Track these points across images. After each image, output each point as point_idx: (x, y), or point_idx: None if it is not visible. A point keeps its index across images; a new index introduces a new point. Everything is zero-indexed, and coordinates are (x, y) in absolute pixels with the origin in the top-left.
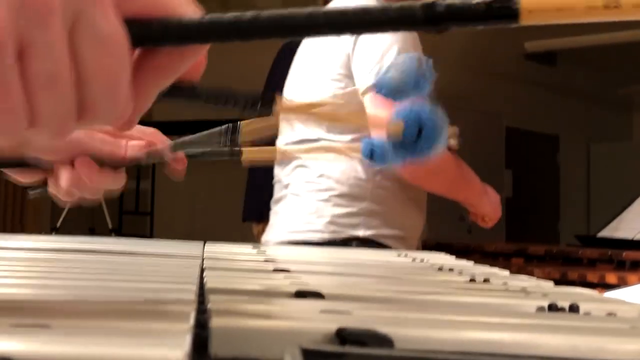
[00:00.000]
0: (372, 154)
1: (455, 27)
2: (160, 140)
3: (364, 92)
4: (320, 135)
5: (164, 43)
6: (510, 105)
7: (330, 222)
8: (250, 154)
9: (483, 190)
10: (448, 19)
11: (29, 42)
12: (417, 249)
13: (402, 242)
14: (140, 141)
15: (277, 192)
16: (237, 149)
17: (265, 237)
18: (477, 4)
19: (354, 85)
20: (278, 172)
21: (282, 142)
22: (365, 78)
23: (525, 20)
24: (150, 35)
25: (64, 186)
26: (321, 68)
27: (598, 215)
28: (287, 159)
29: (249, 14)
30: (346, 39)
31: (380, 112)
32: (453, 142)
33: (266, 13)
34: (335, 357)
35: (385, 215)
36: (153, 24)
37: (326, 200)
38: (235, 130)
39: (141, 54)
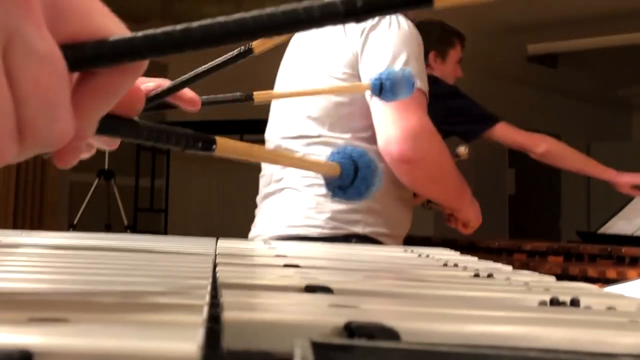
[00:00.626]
0: (381, 88)
1: (375, 16)
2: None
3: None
4: (321, 132)
5: (99, 64)
6: (513, 106)
7: (331, 218)
8: (225, 146)
9: (472, 200)
10: (367, 11)
11: None
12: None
13: (394, 240)
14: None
15: (267, 187)
16: (250, 94)
17: (254, 232)
18: None
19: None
20: (267, 165)
21: (279, 136)
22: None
23: (440, 3)
24: (85, 57)
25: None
26: (321, 66)
27: (598, 212)
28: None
29: (180, 27)
30: (354, 39)
31: (387, 114)
32: (464, 151)
33: (197, 24)
34: (343, 349)
35: (382, 214)
36: (86, 46)
37: (327, 196)
38: (247, 52)
39: (79, 78)
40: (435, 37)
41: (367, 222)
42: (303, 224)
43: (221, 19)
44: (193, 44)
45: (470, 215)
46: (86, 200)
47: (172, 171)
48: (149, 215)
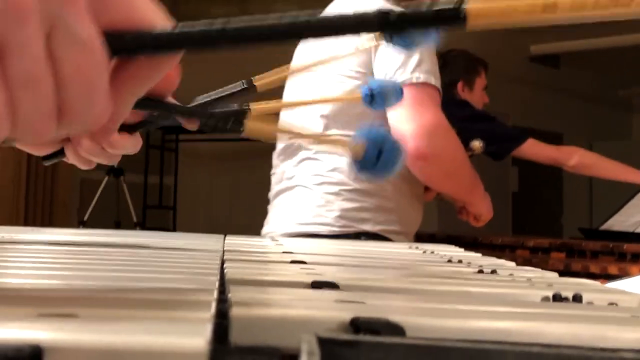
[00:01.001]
0: (372, 98)
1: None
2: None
3: None
4: (334, 131)
5: (138, 53)
6: (517, 105)
7: (340, 216)
8: (253, 127)
9: (484, 193)
10: (400, 25)
11: (6, 42)
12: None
13: (405, 237)
14: None
15: (278, 184)
16: (245, 105)
17: (267, 229)
18: (426, 12)
19: None
20: (278, 163)
21: (284, 137)
22: (389, 78)
23: (473, 24)
24: (125, 46)
25: (84, 155)
26: (335, 65)
27: (600, 209)
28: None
29: (218, 23)
30: (367, 40)
31: (402, 111)
32: (478, 145)
33: (233, 23)
34: (349, 345)
35: (392, 211)
36: (127, 35)
37: (337, 194)
38: (249, 87)
39: (117, 64)
40: (461, 67)
41: (376, 220)
42: (313, 221)
43: (257, 21)
44: (228, 44)
45: (482, 208)
46: (96, 198)
47: (181, 169)
48: (157, 212)
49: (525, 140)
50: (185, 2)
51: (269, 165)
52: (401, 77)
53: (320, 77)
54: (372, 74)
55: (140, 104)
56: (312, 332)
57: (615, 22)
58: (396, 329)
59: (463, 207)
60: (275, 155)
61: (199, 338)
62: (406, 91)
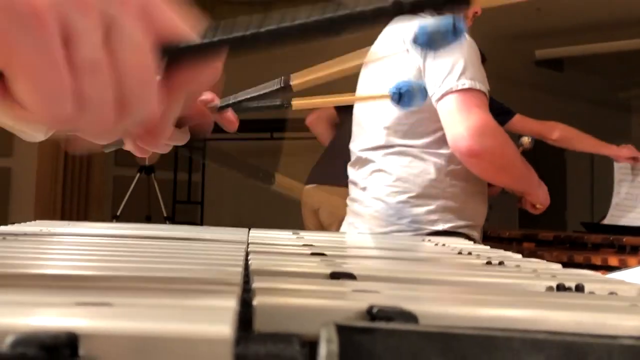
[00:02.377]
0: (399, 97)
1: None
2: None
3: (438, 100)
4: (395, 142)
5: (183, 59)
6: (522, 107)
7: (412, 221)
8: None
9: (539, 183)
10: (413, 10)
11: (72, 28)
12: (480, 234)
13: (474, 229)
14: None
15: (354, 193)
16: (287, 101)
17: (346, 230)
18: None
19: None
20: (353, 172)
21: (357, 148)
22: (438, 87)
23: (477, 4)
24: (171, 52)
25: (140, 144)
26: (391, 79)
27: (601, 204)
28: None
29: (251, 30)
30: (416, 55)
31: (453, 115)
32: (527, 140)
33: (264, 28)
34: (365, 332)
35: (458, 209)
36: (173, 43)
37: (405, 202)
38: (286, 84)
39: (167, 69)
40: None
41: (444, 219)
42: (388, 230)
43: (287, 21)
44: (262, 46)
45: (539, 197)
46: (128, 193)
47: (208, 166)
48: (186, 207)
49: (514, 114)
50: (211, 9)
51: (290, 163)
52: (448, 84)
53: (381, 89)
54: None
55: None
56: (331, 319)
57: (617, 28)
58: (409, 317)
59: (522, 197)
60: (349, 164)
61: (225, 325)
62: (454, 97)
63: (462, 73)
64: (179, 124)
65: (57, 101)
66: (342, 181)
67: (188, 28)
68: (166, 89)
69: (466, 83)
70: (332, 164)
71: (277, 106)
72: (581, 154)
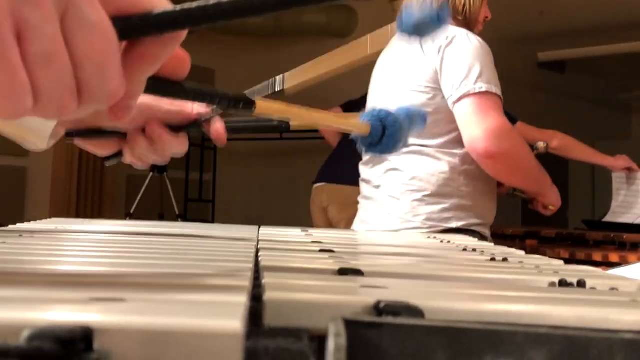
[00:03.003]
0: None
1: None
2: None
3: (455, 102)
4: (410, 141)
5: (144, 34)
6: (525, 108)
7: (427, 219)
8: (263, 106)
9: (551, 185)
10: None
11: (24, 23)
12: (490, 231)
13: (485, 227)
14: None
15: (366, 191)
16: (284, 122)
17: (356, 228)
18: None
19: (442, 96)
20: (366, 171)
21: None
22: (455, 90)
23: None
24: (132, 28)
25: (138, 152)
26: (406, 81)
27: (602, 202)
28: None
29: (212, 1)
30: (432, 57)
31: (470, 118)
32: (542, 145)
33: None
34: (373, 326)
35: (470, 208)
36: (133, 18)
37: (420, 200)
38: (280, 83)
39: (127, 46)
40: None
41: (458, 217)
42: (403, 227)
43: None
44: (224, 17)
45: (551, 199)
46: (141, 192)
47: (219, 166)
48: (198, 205)
49: (516, 122)
50: None
51: (299, 162)
52: (465, 88)
53: (395, 92)
54: (440, 88)
55: (154, 85)
56: (339, 314)
57: (617, 31)
58: (416, 312)
59: (534, 199)
60: (362, 163)
61: (236, 320)
62: (471, 100)
63: (479, 77)
64: (176, 130)
65: (16, 98)
66: (349, 181)
67: (149, 0)
68: (128, 67)
69: (483, 86)
70: (340, 164)
71: (274, 127)
72: None
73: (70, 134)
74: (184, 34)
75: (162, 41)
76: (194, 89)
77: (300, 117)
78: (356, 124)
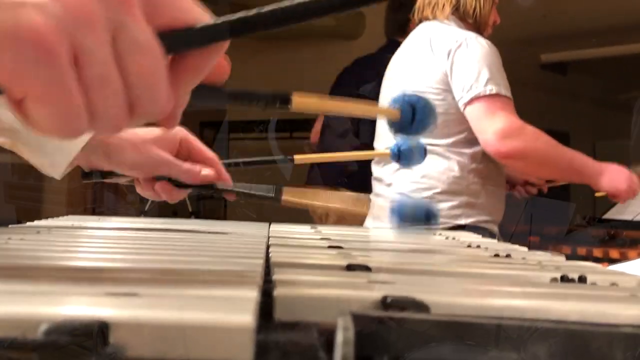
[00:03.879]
0: (398, 156)
1: None
2: (218, 167)
3: (466, 105)
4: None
5: (189, 47)
6: (528, 108)
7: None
8: (300, 102)
9: (601, 171)
10: None
11: (79, 47)
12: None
13: (494, 224)
14: (210, 169)
15: (378, 189)
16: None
17: (368, 225)
18: None
19: (452, 97)
20: (377, 169)
21: (384, 147)
22: (465, 92)
23: None
24: (177, 42)
25: (147, 196)
26: (417, 83)
27: (602, 200)
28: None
29: (252, 12)
30: (442, 60)
31: (480, 121)
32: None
33: (266, 9)
34: (380, 320)
35: (479, 205)
36: (178, 33)
37: (430, 198)
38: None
39: (172, 59)
40: None
41: (467, 214)
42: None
43: (284, 3)
44: (263, 26)
45: (602, 184)
46: None
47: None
48: (210, 203)
49: None
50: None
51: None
52: (476, 90)
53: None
54: (450, 89)
55: (195, 92)
56: (347, 309)
57: (618, 33)
58: (422, 307)
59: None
60: (374, 162)
61: (247, 315)
62: (481, 103)
63: (489, 79)
64: (188, 185)
65: (73, 120)
66: (329, 182)
67: (191, 14)
68: (174, 81)
69: (493, 89)
70: (321, 166)
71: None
72: (585, 150)
73: (86, 175)
74: (226, 44)
75: (206, 53)
76: (231, 91)
77: (336, 107)
78: (386, 110)
